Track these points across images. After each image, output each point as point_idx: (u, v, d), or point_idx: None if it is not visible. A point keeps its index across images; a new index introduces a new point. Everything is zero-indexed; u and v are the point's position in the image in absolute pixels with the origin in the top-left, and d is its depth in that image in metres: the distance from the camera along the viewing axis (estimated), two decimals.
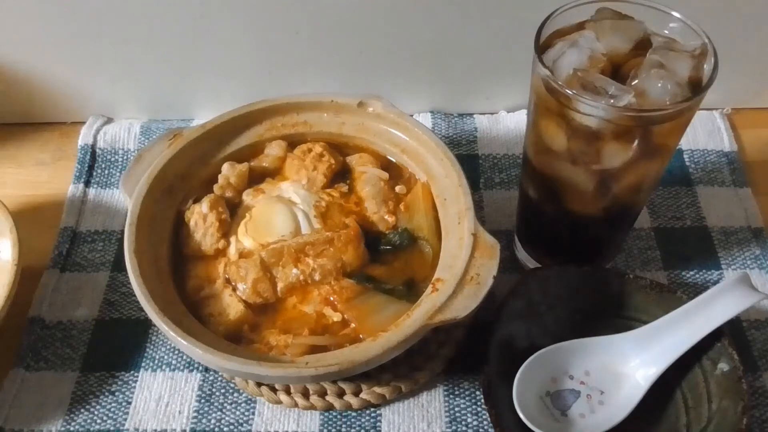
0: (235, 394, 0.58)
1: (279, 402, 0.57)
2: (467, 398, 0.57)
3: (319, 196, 0.61)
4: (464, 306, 0.50)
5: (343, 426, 0.56)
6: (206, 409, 0.57)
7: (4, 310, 0.56)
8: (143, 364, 0.59)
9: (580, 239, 0.61)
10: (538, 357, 0.54)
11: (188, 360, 0.60)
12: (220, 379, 0.59)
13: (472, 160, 0.74)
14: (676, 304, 0.55)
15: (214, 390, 0.58)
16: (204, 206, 0.59)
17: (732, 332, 0.56)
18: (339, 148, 0.65)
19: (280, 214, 0.59)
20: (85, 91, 0.77)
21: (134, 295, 0.52)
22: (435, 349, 0.59)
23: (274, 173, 0.64)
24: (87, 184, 0.73)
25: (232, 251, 0.58)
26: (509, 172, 0.73)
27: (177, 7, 0.68)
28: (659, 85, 0.47)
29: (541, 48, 0.50)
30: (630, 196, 0.56)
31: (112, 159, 0.75)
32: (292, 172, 0.63)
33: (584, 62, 0.49)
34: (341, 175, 0.63)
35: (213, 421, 0.56)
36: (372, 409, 0.57)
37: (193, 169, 0.62)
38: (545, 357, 0.54)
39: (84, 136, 0.76)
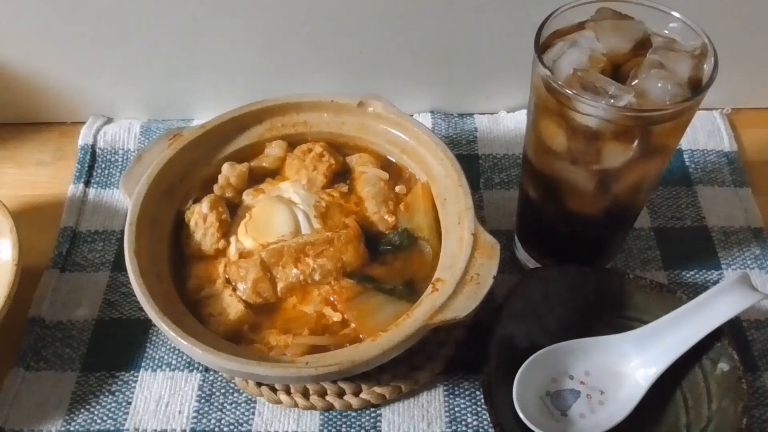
0: (235, 394, 0.58)
1: (279, 402, 0.57)
2: (467, 398, 0.57)
3: (319, 196, 0.61)
4: (464, 306, 0.50)
5: (343, 426, 0.56)
6: (206, 409, 0.57)
7: (4, 310, 0.56)
8: (143, 364, 0.59)
9: (580, 239, 0.61)
10: (538, 357, 0.54)
11: (188, 360, 0.60)
12: (220, 379, 0.59)
13: (472, 160, 0.74)
14: (676, 304, 0.55)
15: (214, 390, 0.58)
16: (204, 206, 0.59)
17: (732, 332, 0.56)
18: (339, 148, 0.65)
19: (280, 214, 0.59)
20: (85, 91, 0.77)
21: (134, 295, 0.52)
22: (435, 349, 0.59)
23: (274, 173, 0.64)
24: (87, 184, 0.73)
25: (232, 251, 0.58)
26: (509, 172, 0.73)
27: (177, 7, 0.68)
28: (659, 85, 0.47)
29: (541, 48, 0.50)
30: (630, 196, 0.56)
31: (112, 159, 0.75)
32: (292, 172, 0.63)
33: (584, 62, 0.49)
34: (341, 175, 0.63)
35: (213, 421, 0.56)
36: (372, 409, 0.57)
37: (193, 169, 0.62)
38: (545, 357, 0.54)
39: (84, 136, 0.76)
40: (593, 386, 0.55)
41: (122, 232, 0.56)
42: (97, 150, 0.76)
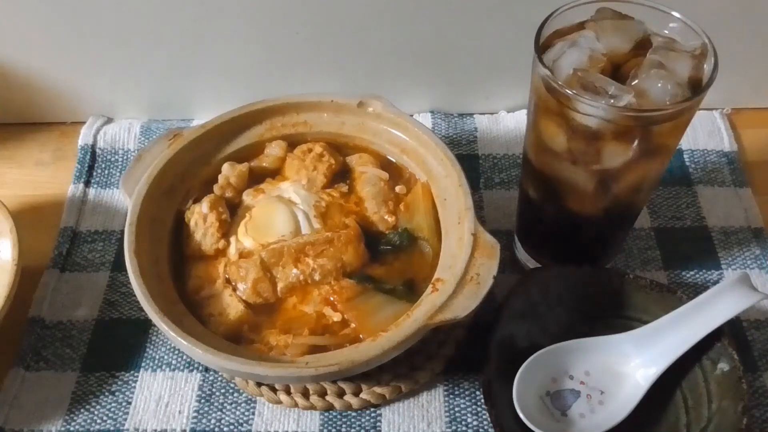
0: (235, 394, 0.58)
1: (279, 402, 0.57)
2: (467, 398, 0.57)
3: (319, 196, 0.61)
4: (464, 306, 0.50)
5: (343, 426, 0.56)
6: (206, 409, 0.57)
7: (4, 310, 0.56)
8: (143, 364, 0.59)
9: (580, 239, 0.61)
10: (538, 357, 0.54)
11: (188, 360, 0.60)
12: (220, 379, 0.59)
13: (472, 160, 0.74)
14: (676, 304, 0.55)
15: (214, 390, 0.58)
16: (204, 206, 0.59)
17: (732, 332, 0.56)
18: (339, 148, 0.65)
19: (280, 214, 0.59)
20: (85, 91, 0.77)
21: (134, 295, 0.52)
22: (435, 349, 0.59)
23: (274, 173, 0.64)
24: (87, 184, 0.73)
25: (232, 251, 0.58)
26: (509, 172, 0.73)
27: (177, 7, 0.68)
28: (659, 85, 0.47)
29: (541, 48, 0.50)
30: (630, 196, 0.56)
31: (112, 159, 0.75)
32: (292, 172, 0.63)
33: (584, 62, 0.49)
34: (341, 175, 0.63)
35: (213, 421, 0.56)
36: (372, 409, 0.57)
37: (193, 169, 0.62)
38: (545, 357, 0.54)
39: (84, 136, 0.76)
40: (593, 386, 0.55)
41: (122, 232, 0.56)
42: (97, 150, 0.76)
